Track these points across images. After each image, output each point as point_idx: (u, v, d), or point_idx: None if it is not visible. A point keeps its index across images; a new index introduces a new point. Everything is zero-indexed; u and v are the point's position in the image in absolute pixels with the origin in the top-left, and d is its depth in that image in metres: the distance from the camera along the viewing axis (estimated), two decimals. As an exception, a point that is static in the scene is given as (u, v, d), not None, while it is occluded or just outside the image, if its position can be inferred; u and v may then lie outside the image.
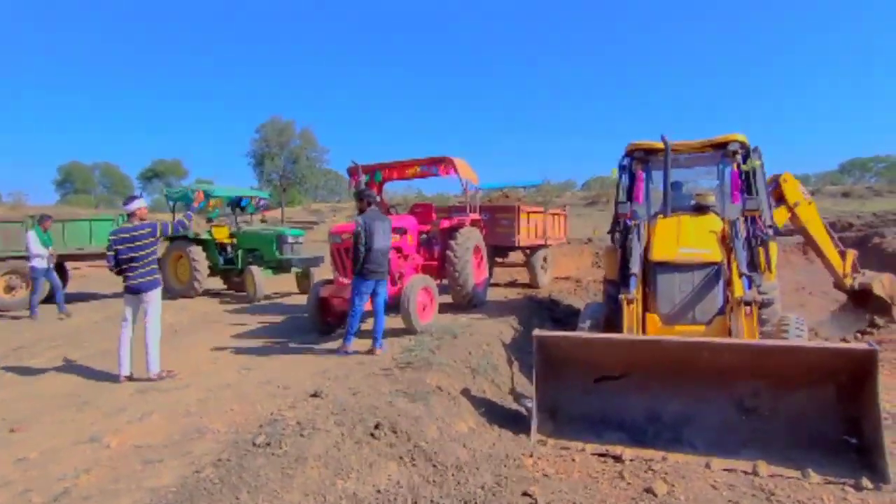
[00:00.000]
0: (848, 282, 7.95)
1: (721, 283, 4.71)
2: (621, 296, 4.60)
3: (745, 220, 5.19)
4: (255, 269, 9.71)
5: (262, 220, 13.42)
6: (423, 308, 6.27)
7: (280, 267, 10.29)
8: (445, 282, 7.69)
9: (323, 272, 9.52)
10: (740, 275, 4.53)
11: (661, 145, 5.47)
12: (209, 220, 11.89)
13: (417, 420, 3.64)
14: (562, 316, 8.59)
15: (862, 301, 8.07)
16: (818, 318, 8.79)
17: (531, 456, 3.64)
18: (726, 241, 4.87)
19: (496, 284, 10.92)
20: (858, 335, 7.53)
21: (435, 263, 7.68)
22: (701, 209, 5.51)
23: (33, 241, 8.58)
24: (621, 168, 6.02)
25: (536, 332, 4.12)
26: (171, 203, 10.92)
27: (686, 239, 4.92)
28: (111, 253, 4.99)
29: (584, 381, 4.13)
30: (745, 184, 5.37)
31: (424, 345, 5.41)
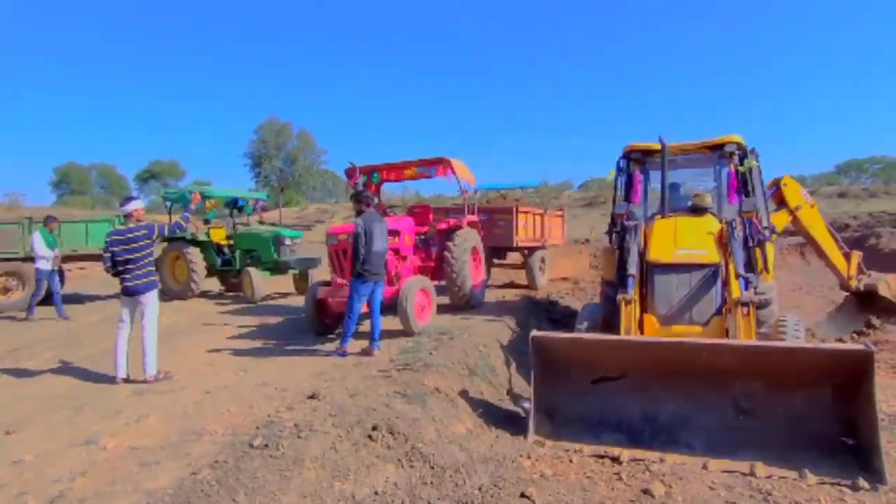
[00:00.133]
0: (853, 283, 7.90)
1: (718, 283, 4.72)
2: (619, 297, 4.60)
3: (743, 221, 5.20)
4: (252, 270, 9.68)
5: (260, 222, 13.37)
6: (420, 309, 6.27)
7: (277, 268, 10.27)
8: (443, 283, 7.69)
9: (321, 274, 9.51)
10: (737, 276, 4.55)
11: (658, 146, 5.49)
12: (206, 222, 11.86)
13: (415, 421, 3.64)
14: (559, 317, 8.60)
15: (868, 302, 8.05)
16: (815, 318, 8.80)
17: (529, 457, 3.64)
18: (723, 242, 4.88)
19: (494, 285, 10.93)
20: (855, 336, 7.54)
21: (432, 265, 7.69)
22: (698, 210, 5.53)
23: (39, 242, 8.50)
24: (619, 169, 6.04)
25: (534, 333, 4.12)
26: (168, 204, 10.91)
27: (683, 240, 4.93)
28: (108, 254, 4.98)
29: (582, 383, 4.13)
30: (742, 185, 5.38)
31: (422, 346, 5.42)
